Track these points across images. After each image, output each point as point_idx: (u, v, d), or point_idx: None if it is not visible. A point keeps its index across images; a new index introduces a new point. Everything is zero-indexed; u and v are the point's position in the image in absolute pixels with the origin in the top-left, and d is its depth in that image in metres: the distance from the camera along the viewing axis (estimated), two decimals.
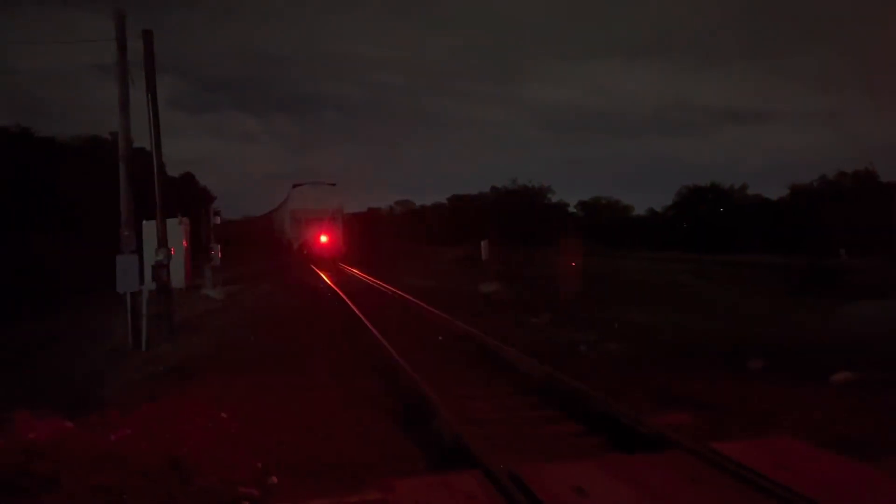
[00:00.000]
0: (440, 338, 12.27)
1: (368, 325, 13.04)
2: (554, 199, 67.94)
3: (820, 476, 4.81)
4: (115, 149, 14.60)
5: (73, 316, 17.63)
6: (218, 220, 24.73)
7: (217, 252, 22.63)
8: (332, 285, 24.35)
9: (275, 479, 5.17)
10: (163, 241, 14.01)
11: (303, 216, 43.32)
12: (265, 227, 62.82)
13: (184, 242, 20.71)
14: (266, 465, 5.50)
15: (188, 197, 42.41)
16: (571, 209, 69.76)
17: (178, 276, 15.41)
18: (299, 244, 43.24)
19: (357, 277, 28.02)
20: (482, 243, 22.91)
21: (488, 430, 6.55)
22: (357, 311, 15.44)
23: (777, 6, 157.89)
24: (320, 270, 32.54)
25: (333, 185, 44.91)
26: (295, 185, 44.89)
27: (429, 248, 54.55)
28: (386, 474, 5.18)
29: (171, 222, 14.83)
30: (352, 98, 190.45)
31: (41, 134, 33.94)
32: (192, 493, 4.83)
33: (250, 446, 6.05)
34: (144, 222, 15.73)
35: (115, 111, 13.63)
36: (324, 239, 42.92)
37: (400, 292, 20.32)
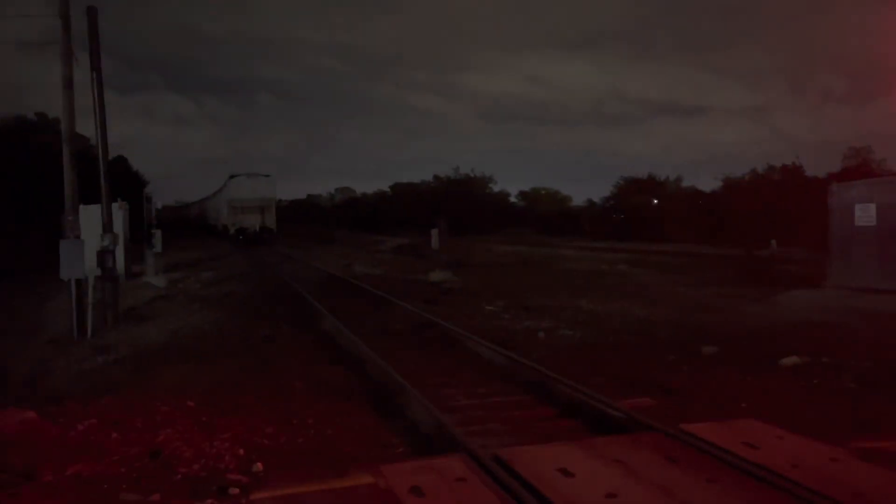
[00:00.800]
0: (399, 326, 12.29)
1: (325, 311, 12.97)
2: (496, 188, 68.70)
3: (788, 454, 5.09)
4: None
5: (4, 304, 16.84)
6: (159, 204, 23.99)
7: (158, 238, 21.96)
8: (276, 273, 24.01)
9: (260, 466, 5.13)
10: (108, 227, 13.54)
11: (239, 204, 45.55)
12: (200, 213, 62.52)
13: (125, 228, 20.02)
14: (248, 451, 5.44)
15: (121, 181, 41.24)
16: (513, 199, 70.63)
17: (120, 263, 14.87)
18: (235, 231, 44.02)
19: (300, 266, 27.65)
20: (433, 232, 22.92)
21: (465, 415, 6.65)
22: (308, 297, 15.31)
23: (709, 3, 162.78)
24: (261, 257, 32.03)
25: (268, 175, 47.78)
26: (232, 176, 46.98)
27: (372, 236, 54.34)
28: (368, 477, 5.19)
29: (113, 207, 14.31)
30: (288, 82, 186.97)
31: None
32: (178, 482, 4.75)
33: (225, 434, 5.97)
34: (81, 207, 15.14)
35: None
36: (260, 227, 44.09)
37: (350, 280, 20.20)
